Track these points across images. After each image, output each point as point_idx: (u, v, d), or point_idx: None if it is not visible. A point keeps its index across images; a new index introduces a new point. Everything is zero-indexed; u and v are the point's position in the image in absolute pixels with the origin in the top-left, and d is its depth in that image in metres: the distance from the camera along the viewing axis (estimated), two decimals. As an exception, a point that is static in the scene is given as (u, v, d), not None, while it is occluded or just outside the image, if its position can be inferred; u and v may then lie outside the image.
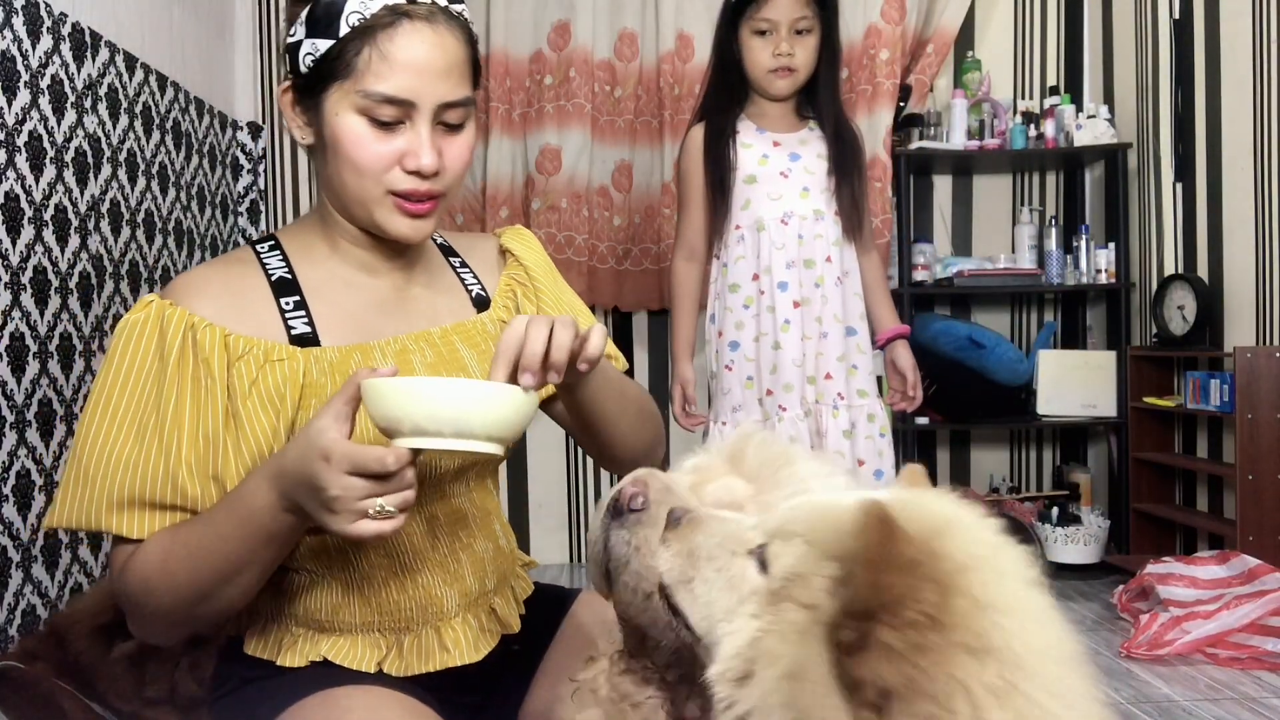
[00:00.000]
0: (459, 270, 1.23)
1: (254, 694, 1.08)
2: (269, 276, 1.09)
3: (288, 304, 1.08)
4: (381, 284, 1.15)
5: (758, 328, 2.35)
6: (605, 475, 3.77)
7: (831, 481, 0.85)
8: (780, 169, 2.35)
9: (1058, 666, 0.63)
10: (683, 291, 2.42)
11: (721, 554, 0.71)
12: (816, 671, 0.62)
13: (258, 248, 1.13)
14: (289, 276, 1.10)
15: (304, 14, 1.03)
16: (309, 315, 1.08)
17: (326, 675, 1.07)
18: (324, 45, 1.02)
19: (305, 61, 1.03)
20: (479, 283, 1.23)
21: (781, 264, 2.32)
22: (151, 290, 2.68)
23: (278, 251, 1.12)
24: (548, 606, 1.26)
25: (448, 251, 1.25)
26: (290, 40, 1.05)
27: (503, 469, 3.71)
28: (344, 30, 1.01)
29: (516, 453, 3.76)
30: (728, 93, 2.39)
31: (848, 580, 0.62)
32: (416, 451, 0.90)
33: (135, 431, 1.00)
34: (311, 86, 1.04)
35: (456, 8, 1.06)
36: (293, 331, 1.07)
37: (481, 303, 1.21)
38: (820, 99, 2.38)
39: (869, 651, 0.60)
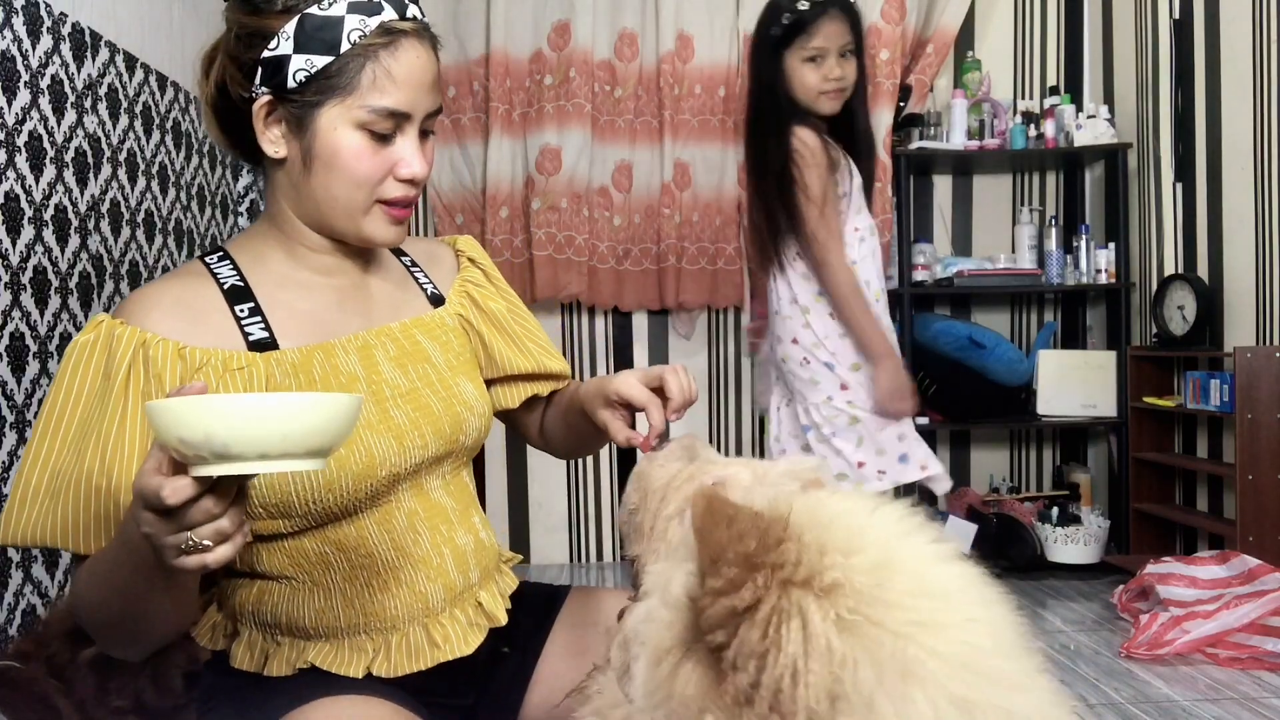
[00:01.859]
0: (411, 269, 1.26)
1: (241, 705, 1.07)
2: (221, 286, 1.09)
3: (242, 311, 1.08)
4: (339, 282, 1.15)
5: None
6: (605, 475, 3.77)
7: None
8: (856, 181, 2.49)
9: (924, 600, 0.64)
10: (859, 290, 2.41)
11: (646, 626, 0.72)
12: (678, 643, 0.66)
13: (207, 259, 1.13)
14: (241, 284, 1.10)
15: (290, 29, 1.02)
16: (265, 320, 1.08)
17: (313, 683, 1.06)
18: (321, 61, 1.02)
19: (296, 77, 1.03)
20: (431, 281, 1.26)
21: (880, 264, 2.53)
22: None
23: (228, 261, 1.12)
24: (537, 605, 1.26)
25: (397, 251, 1.27)
26: (268, 55, 1.03)
27: (502, 468, 3.74)
28: (345, 47, 1.02)
29: (516, 453, 3.76)
30: (778, 113, 2.45)
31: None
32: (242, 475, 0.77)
33: (76, 451, 0.99)
34: (300, 101, 1.04)
35: (425, 19, 1.11)
36: (250, 338, 1.07)
37: (436, 300, 1.24)
38: (855, 110, 2.50)
39: (706, 603, 0.63)
